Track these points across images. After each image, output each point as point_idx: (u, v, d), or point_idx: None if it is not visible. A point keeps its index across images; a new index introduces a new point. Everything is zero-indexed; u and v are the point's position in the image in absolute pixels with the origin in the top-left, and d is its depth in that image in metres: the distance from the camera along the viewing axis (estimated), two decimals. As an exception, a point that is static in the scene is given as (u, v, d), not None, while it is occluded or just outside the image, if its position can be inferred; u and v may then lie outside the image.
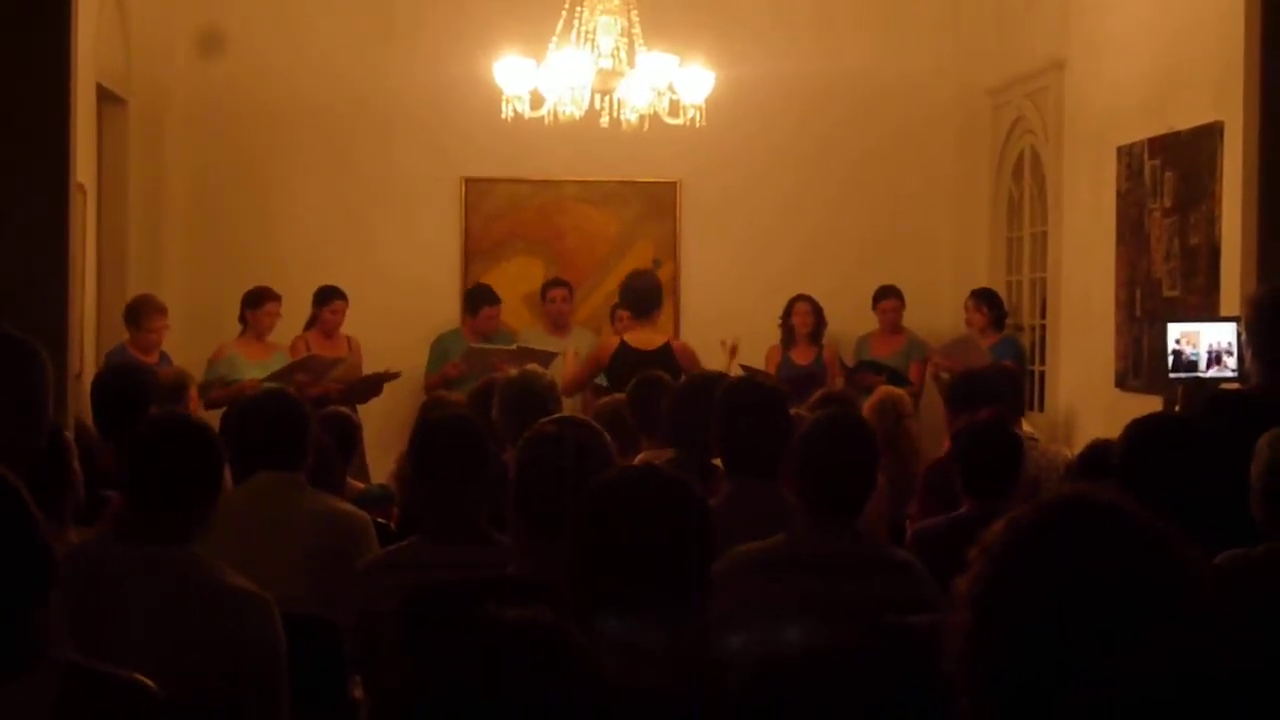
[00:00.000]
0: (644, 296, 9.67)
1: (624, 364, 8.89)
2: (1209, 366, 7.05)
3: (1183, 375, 7.06)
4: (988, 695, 2.05)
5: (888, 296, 11.53)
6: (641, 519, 3.06)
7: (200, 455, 4.16)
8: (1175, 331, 7.17)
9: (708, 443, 5.55)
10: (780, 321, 11.44)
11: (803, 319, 11.36)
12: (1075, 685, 1.95)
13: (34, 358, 4.60)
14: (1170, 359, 7.13)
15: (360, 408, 10.32)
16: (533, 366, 6.98)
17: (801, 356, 11.29)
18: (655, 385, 6.69)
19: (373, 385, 10.65)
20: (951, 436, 6.83)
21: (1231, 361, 6.97)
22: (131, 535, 4.08)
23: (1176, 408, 6.75)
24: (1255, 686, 1.90)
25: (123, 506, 4.30)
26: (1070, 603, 1.99)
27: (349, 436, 6.66)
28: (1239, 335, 6.62)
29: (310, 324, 10.97)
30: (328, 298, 10.94)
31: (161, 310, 9.93)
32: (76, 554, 3.99)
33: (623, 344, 9.41)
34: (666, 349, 9.38)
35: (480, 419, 5.41)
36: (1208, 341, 7.11)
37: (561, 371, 10.22)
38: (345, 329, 11.01)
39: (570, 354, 10.14)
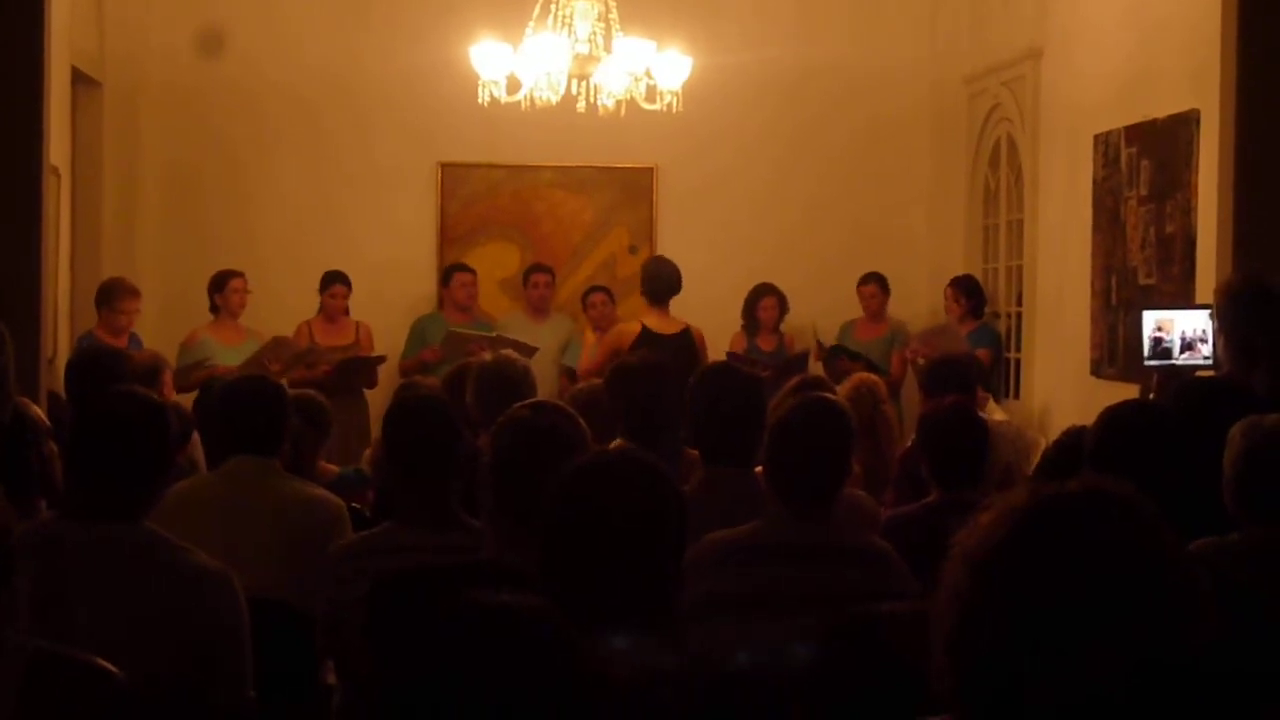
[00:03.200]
0: (664, 281, 9.69)
1: (648, 348, 8.81)
2: (1183, 353, 7.06)
3: (1158, 363, 7.07)
4: (973, 676, 2.05)
5: (867, 282, 11.53)
6: (614, 504, 3.06)
7: (146, 432, 4.12)
8: (1151, 319, 7.17)
9: (670, 428, 5.55)
10: (743, 310, 11.45)
11: (768, 313, 11.39)
12: (1060, 671, 1.96)
13: None
14: (1149, 346, 7.13)
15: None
16: (507, 351, 6.96)
17: (766, 343, 11.31)
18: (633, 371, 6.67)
19: (362, 370, 10.67)
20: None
21: (1206, 348, 6.98)
22: (79, 512, 4.05)
23: (1151, 395, 6.75)
24: (1235, 674, 1.90)
25: (70, 483, 4.26)
26: (1079, 586, 1.99)
27: (319, 420, 6.62)
28: (1212, 322, 6.63)
29: (319, 310, 11.05)
30: (327, 283, 11.01)
31: (134, 293, 9.92)
32: (29, 533, 3.95)
33: (645, 329, 9.41)
34: (686, 334, 9.43)
35: (455, 403, 5.40)
36: (1182, 328, 7.11)
37: (581, 359, 10.32)
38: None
39: (590, 342, 10.19)
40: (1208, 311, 6.85)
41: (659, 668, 2.93)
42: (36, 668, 2.90)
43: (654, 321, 9.50)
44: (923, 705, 2.13)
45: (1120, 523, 2.05)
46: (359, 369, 10.67)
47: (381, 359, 10.76)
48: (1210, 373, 6.70)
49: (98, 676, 2.97)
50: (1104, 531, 2.04)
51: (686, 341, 9.00)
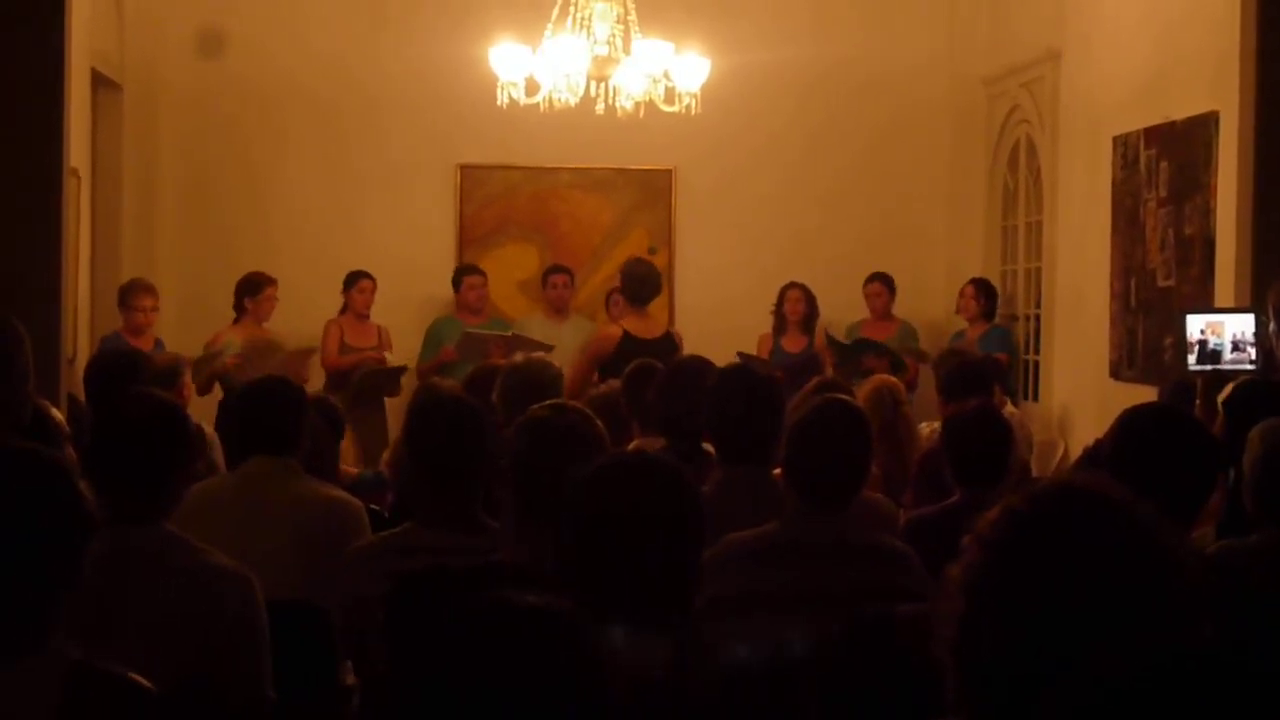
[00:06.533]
0: (644, 283, 9.60)
1: (630, 354, 8.76)
2: (1231, 354, 6.99)
3: (1205, 367, 6.98)
4: (978, 682, 2.05)
5: (873, 281, 11.50)
6: (632, 504, 3.06)
7: (163, 434, 4.13)
8: (1197, 323, 7.08)
9: (697, 428, 5.54)
10: (773, 309, 11.44)
11: (794, 306, 11.36)
12: (1065, 675, 1.96)
13: (8, 329, 4.56)
14: (1195, 350, 7.04)
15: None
16: (540, 355, 6.96)
17: (793, 344, 11.29)
18: (650, 373, 6.67)
19: (384, 380, 10.72)
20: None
21: (1252, 352, 6.91)
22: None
23: (1197, 401, 6.67)
24: (1245, 677, 1.90)
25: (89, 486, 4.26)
26: (1063, 591, 2.00)
27: (333, 419, 6.64)
28: (1262, 325, 6.58)
29: (343, 309, 11.14)
30: (355, 279, 11.12)
31: (149, 290, 9.97)
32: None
33: (626, 334, 9.35)
34: (669, 338, 9.33)
35: (478, 404, 5.38)
36: (1233, 331, 7.03)
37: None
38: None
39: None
40: (1251, 316, 6.81)
41: (669, 673, 2.93)
42: (79, 681, 2.92)
43: (635, 326, 9.35)
44: (939, 706, 2.14)
45: (1093, 517, 2.05)
46: (382, 381, 10.72)
47: (403, 369, 10.79)
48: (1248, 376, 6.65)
49: (136, 693, 2.98)
50: (1080, 531, 2.04)
51: (669, 346, 8.90)
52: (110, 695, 2.95)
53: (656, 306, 9.97)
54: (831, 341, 11.03)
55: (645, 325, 9.40)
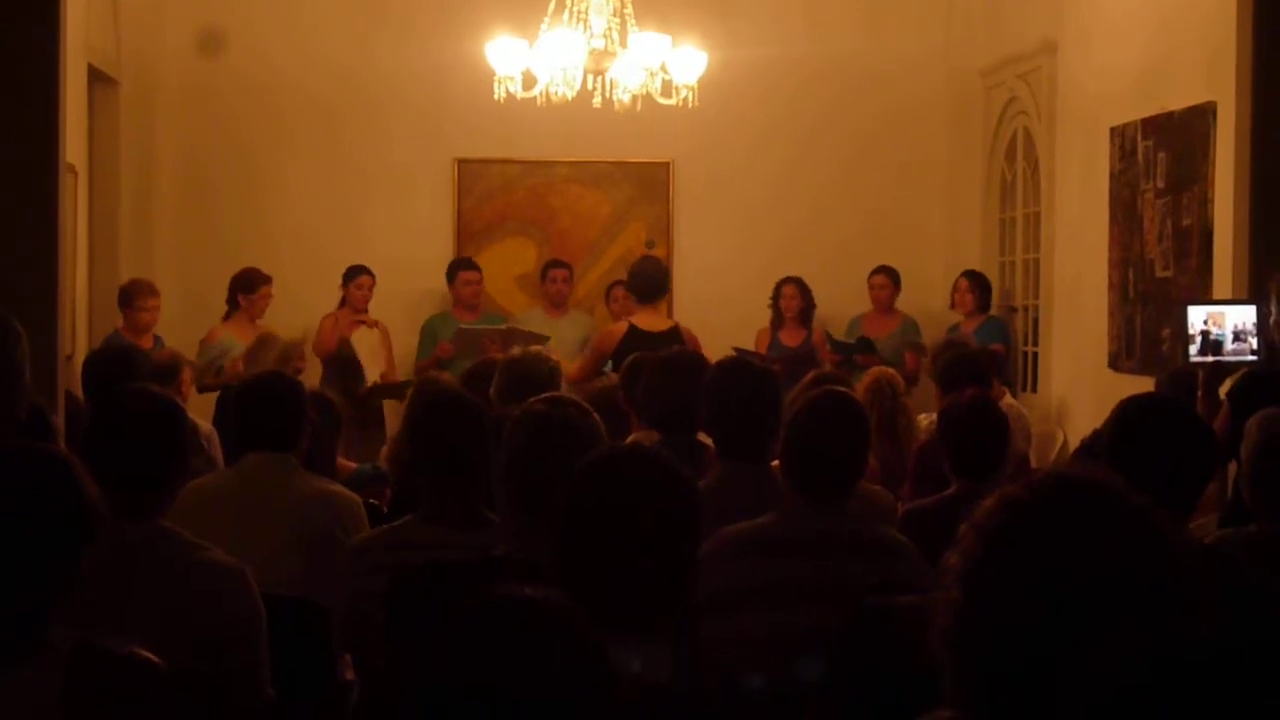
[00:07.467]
0: (651, 280, 9.60)
1: (636, 347, 8.74)
2: (1232, 344, 6.96)
3: (1207, 359, 6.94)
4: (973, 672, 2.05)
5: (878, 273, 11.50)
6: (628, 498, 3.05)
7: (159, 430, 4.13)
8: (1199, 313, 7.05)
9: (691, 421, 5.54)
10: (770, 303, 11.43)
11: (789, 301, 11.34)
12: (1062, 665, 1.96)
13: (4, 325, 4.56)
14: (1198, 340, 7.00)
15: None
16: (537, 348, 6.96)
17: (790, 338, 11.28)
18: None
19: (394, 393, 10.70)
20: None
21: (1252, 342, 6.89)
22: None
23: (1199, 393, 6.65)
24: (1242, 667, 1.90)
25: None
26: (1058, 581, 2.00)
27: (330, 414, 6.63)
28: (1263, 314, 6.57)
29: (341, 303, 11.12)
30: (354, 274, 11.09)
31: (153, 290, 9.97)
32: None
33: (632, 328, 9.35)
34: (675, 331, 9.33)
35: (477, 399, 5.38)
36: (1234, 322, 7.00)
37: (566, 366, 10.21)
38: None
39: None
40: (1254, 307, 6.80)
41: (666, 674, 2.93)
42: (82, 662, 2.92)
43: (642, 320, 9.35)
44: (938, 697, 2.14)
45: (1088, 508, 2.05)
46: (390, 395, 10.70)
47: (410, 384, 10.71)
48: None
49: (143, 668, 2.98)
50: (1075, 521, 2.04)
51: (675, 340, 8.89)
52: (115, 671, 2.95)
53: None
54: (830, 340, 11.00)
55: (652, 319, 9.41)
